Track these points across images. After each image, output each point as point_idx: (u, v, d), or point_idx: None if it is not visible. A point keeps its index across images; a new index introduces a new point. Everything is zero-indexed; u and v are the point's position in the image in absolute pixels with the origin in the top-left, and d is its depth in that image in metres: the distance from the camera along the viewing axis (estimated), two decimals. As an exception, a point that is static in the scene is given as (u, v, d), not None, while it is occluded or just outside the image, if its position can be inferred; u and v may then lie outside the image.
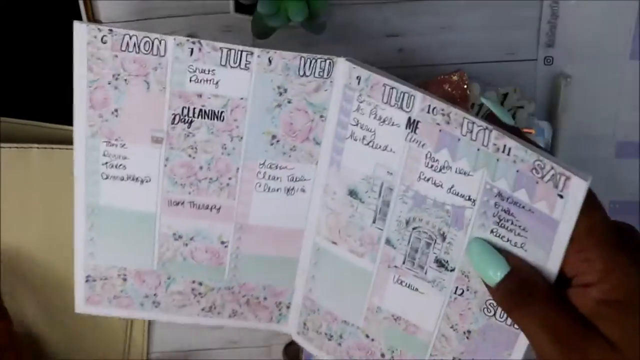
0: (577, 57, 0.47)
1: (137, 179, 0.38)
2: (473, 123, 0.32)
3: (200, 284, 0.40)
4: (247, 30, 0.45)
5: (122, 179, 0.38)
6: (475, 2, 0.46)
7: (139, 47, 0.35)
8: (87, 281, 0.39)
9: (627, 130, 0.48)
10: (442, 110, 0.33)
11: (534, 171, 0.31)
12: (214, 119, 0.37)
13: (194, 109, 0.36)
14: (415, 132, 0.34)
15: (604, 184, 0.49)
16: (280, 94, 0.36)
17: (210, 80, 0.36)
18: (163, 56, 0.35)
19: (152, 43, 0.35)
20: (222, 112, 0.37)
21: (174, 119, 0.37)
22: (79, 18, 0.45)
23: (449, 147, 0.33)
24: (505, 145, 0.31)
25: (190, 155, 0.37)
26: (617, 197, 0.49)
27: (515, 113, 0.46)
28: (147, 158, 0.37)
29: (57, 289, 0.46)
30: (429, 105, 0.33)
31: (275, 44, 0.46)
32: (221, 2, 0.45)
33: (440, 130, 0.33)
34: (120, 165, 0.37)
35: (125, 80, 0.36)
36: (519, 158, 0.31)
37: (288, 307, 0.41)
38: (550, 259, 0.31)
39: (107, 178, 0.38)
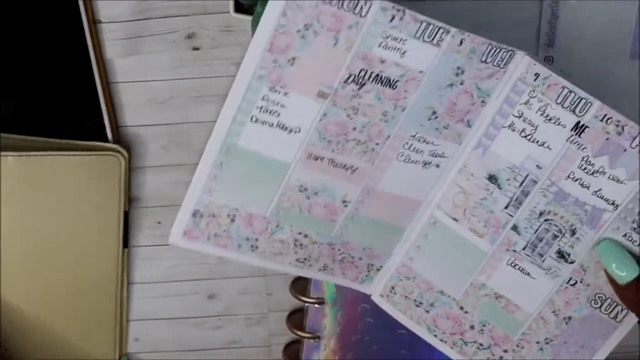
0: (577, 57, 0.47)
1: (286, 128, 0.38)
2: None
3: (306, 236, 0.41)
4: (247, 30, 0.45)
5: (271, 125, 0.38)
6: (475, 2, 0.46)
7: (342, 2, 0.35)
8: (193, 215, 0.39)
9: (627, 130, 0.48)
10: (618, 121, 0.35)
11: None
12: (386, 86, 0.37)
13: (372, 72, 0.37)
14: (579, 135, 0.35)
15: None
16: (457, 74, 0.37)
17: (398, 49, 0.36)
18: (363, 17, 0.35)
19: (357, 2, 0.35)
20: (396, 81, 0.37)
21: (347, 78, 0.36)
22: (79, 18, 0.45)
23: (610, 155, 0.35)
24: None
25: (348, 115, 0.38)
26: (617, 197, 0.50)
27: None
28: (305, 110, 0.37)
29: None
30: (605, 115, 0.35)
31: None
32: (221, 2, 0.45)
33: (607, 139, 0.35)
34: (275, 112, 0.37)
35: (315, 32, 0.35)
36: None
37: (378, 270, 0.42)
38: None
39: (255, 121, 0.37)
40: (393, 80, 0.37)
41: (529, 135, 0.36)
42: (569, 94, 0.35)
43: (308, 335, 0.49)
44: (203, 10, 0.46)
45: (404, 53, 0.36)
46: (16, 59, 0.46)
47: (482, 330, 0.40)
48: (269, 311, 0.52)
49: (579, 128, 0.35)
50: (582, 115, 0.35)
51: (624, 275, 0.35)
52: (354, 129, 0.38)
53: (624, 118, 0.35)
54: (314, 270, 0.42)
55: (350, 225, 0.41)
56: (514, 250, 0.38)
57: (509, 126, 0.37)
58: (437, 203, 0.39)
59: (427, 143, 0.38)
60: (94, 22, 0.46)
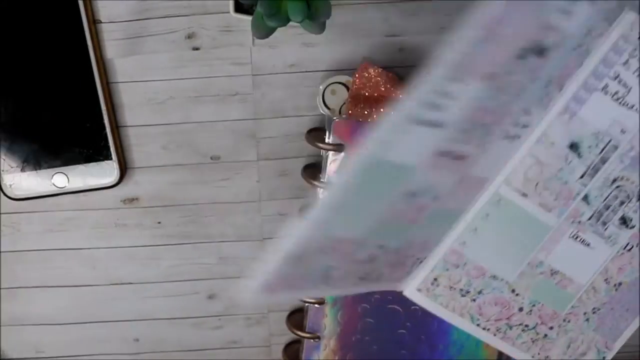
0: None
1: None
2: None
3: None
4: (247, 30, 0.45)
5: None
6: (475, 2, 0.46)
7: None
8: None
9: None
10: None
11: None
12: None
13: None
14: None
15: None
16: (586, 35, 0.34)
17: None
18: None
19: None
20: None
21: None
22: (79, 18, 0.45)
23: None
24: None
25: None
26: (617, 197, 0.49)
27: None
28: None
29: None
30: None
31: (274, 44, 0.46)
32: (221, 2, 0.45)
33: None
34: None
35: None
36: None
37: (420, 262, 0.38)
38: None
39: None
40: None
41: (620, 98, 0.34)
42: None
43: (308, 335, 0.49)
44: (203, 10, 0.46)
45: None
46: (16, 59, 0.46)
47: (530, 311, 0.38)
48: (269, 311, 0.52)
49: None
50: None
51: None
52: None
53: None
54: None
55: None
56: (579, 222, 0.36)
57: (602, 89, 0.34)
58: (505, 178, 0.36)
59: (526, 114, 0.35)
60: (94, 22, 0.46)
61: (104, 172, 0.47)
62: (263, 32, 0.41)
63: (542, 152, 0.36)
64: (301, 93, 0.47)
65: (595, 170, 0.36)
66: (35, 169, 0.47)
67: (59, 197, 0.48)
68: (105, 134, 0.47)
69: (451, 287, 0.38)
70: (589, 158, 0.35)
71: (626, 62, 0.34)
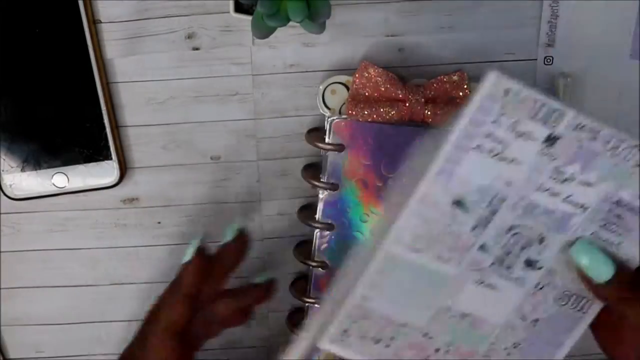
0: (577, 57, 0.47)
1: None
2: (622, 141, 0.33)
3: None
4: (247, 30, 0.45)
5: None
6: (475, 2, 0.46)
7: None
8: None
9: (627, 130, 0.48)
10: (592, 128, 0.33)
11: None
12: None
13: None
14: (552, 146, 0.34)
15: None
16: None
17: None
18: None
19: None
20: None
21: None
22: (79, 18, 0.45)
23: (582, 161, 0.34)
24: None
25: None
26: (617, 197, 0.49)
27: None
28: None
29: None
30: (579, 123, 0.33)
31: (274, 44, 0.46)
32: (221, 2, 0.45)
33: (580, 146, 0.34)
34: None
35: None
36: None
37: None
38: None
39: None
40: None
41: (497, 154, 0.34)
42: (542, 107, 0.33)
43: (308, 335, 0.49)
44: (203, 10, 0.46)
45: None
46: (16, 58, 0.46)
47: (447, 350, 0.38)
48: (269, 311, 0.52)
49: (551, 139, 0.34)
50: (555, 127, 0.34)
51: (604, 274, 0.34)
52: None
53: (599, 123, 0.33)
54: None
55: None
56: (481, 269, 0.36)
57: (476, 148, 0.34)
58: (393, 238, 0.36)
59: None
60: (94, 22, 0.46)
61: (104, 172, 0.47)
62: (263, 32, 0.41)
63: (427, 211, 0.36)
64: (301, 93, 0.47)
65: (487, 221, 0.35)
66: (35, 169, 0.47)
67: (59, 197, 0.48)
68: (105, 134, 0.47)
69: (362, 337, 0.39)
70: (477, 212, 0.35)
71: (496, 121, 0.34)
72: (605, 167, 0.34)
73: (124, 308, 0.52)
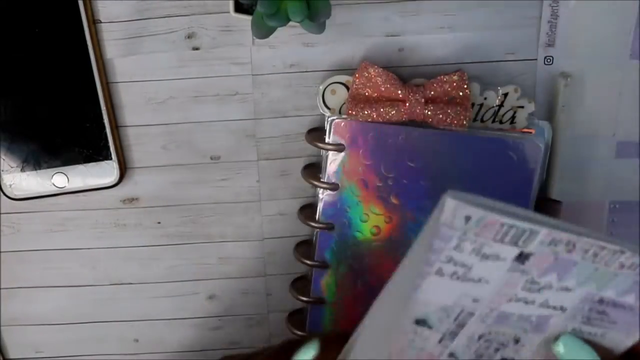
0: (577, 57, 0.47)
1: None
2: (603, 248, 0.30)
3: None
4: (247, 30, 0.45)
5: None
6: (475, 2, 0.46)
7: None
8: None
9: (627, 130, 0.48)
10: (567, 241, 0.30)
11: None
12: None
13: None
14: (523, 263, 0.31)
15: (604, 184, 0.49)
16: None
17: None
18: None
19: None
20: None
21: None
22: (79, 18, 0.45)
23: (559, 272, 0.31)
24: (633, 263, 0.30)
25: None
26: (617, 197, 0.49)
27: (515, 113, 0.46)
28: None
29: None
30: (552, 239, 0.30)
31: (274, 44, 0.46)
32: (221, 2, 0.45)
33: (555, 259, 0.31)
34: None
35: None
36: None
37: None
38: (629, 339, 0.32)
39: None
40: None
41: (461, 276, 0.31)
42: (509, 229, 0.30)
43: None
44: (203, 10, 0.46)
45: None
46: (16, 58, 0.45)
47: None
48: (269, 311, 0.52)
49: (522, 257, 0.31)
50: (526, 246, 0.30)
51: None
52: None
53: (574, 235, 0.30)
54: None
55: None
56: None
57: (437, 272, 0.31)
58: (354, 356, 0.35)
59: None
60: (94, 22, 0.46)
61: (104, 172, 0.47)
62: (263, 32, 0.41)
63: (388, 331, 0.34)
64: (301, 93, 0.47)
65: (454, 334, 0.33)
66: (35, 169, 0.47)
67: (59, 197, 0.48)
68: (105, 134, 0.47)
69: None
70: (443, 327, 0.33)
71: (458, 246, 0.30)
72: (584, 273, 0.31)
73: (124, 308, 0.52)
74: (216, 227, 0.50)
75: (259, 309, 0.52)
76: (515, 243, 0.30)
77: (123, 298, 0.52)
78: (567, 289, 0.32)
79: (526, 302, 0.32)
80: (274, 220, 0.50)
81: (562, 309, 0.32)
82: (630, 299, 0.31)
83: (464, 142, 0.45)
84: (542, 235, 0.30)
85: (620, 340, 0.33)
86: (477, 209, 0.29)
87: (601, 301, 0.32)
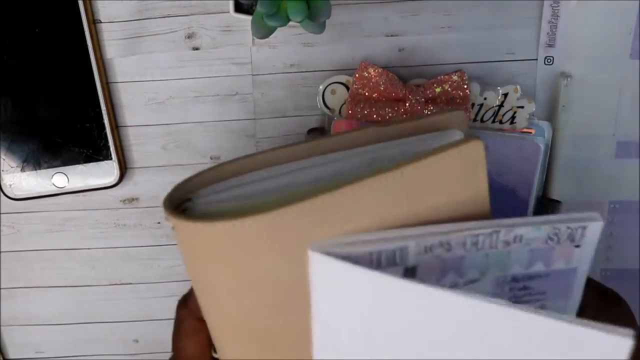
0: (577, 57, 0.47)
1: None
2: (477, 235, 0.30)
3: None
4: (247, 30, 0.45)
5: None
6: (475, 2, 0.46)
7: None
8: None
9: (627, 130, 0.48)
10: (440, 242, 0.30)
11: (549, 241, 0.30)
12: None
13: None
14: (414, 276, 0.30)
15: (604, 184, 0.49)
16: None
17: None
18: None
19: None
20: None
21: None
22: (79, 18, 0.45)
23: (454, 269, 0.31)
24: (516, 236, 0.30)
25: None
26: (617, 197, 0.49)
27: (515, 113, 0.46)
28: None
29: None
30: (425, 247, 0.30)
31: (274, 44, 0.46)
32: (221, 2, 0.45)
33: (442, 261, 0.30)
34: None
35: None
36: (531, 239, 0.30)
37: None
38: (570, 301, 0.32)
39: None
40: None
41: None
42: (379, 255, 0.29)
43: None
44: (203, 10, 0.46)
45: None
46: (16, 58, 0.46)
47: None
48: (269, 311, 0.52)
49: (409, 272, 0.30)
50: (405, 262, 0.30)
51: None
52: None
53: (443, 233, 0.30)
54: None
55: None
56: None
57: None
58: None
59: None
60: (94, 22, 0.46)
61: (104, 172, 0.47)
62: (263, 32, 0.41)
63: None
64: (301, 93, 0.47)
65: None
66: (35, 169, 0.47)
67: (59, 197, 0.48)
68: (105, 134, 0.47)
69: None
70: None
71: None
72: (478, 262, 0.31)
73: (124, 308, 0.52)
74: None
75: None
76: (393, 263, 0.29)
77: (123, 298, 0.52)
78: (474, 281, 0.31)
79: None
80: (274, 220, 0.50)
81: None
82: (538, 268, 0.31)
83: (464, 142, 0.45)
84: (412, 248, 0.29)
85: (563, 305, 0.32)
86: (339, 262, 0.28)
87: (515, 279, 0.31)
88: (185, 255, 0.31)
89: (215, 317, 0.32)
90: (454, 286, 0.31)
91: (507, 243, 0.30)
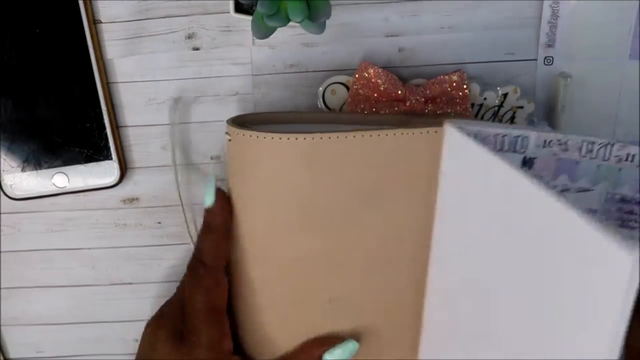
0: (577, 57, 0.47)
1: None
2: (593, 143, 0.33)
3: None
4: (247, 30, 0.45)
5: None
6: (475, 2, 0.46)
7: None
8: None
9: (627, 130, 0.48)
10: (559, 140, 0.33)
11: None
12: None
13: None
14: (531, 167, 0.34)
15: (604, 184, 0.49)
16: None
17: None
18: None
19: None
20: None
21: None
22: (79, 18, 0.45)
23: (567, 172, 0.34)
24: (628, 154, 0.32)
25: None
26: (617, 197, 0.49)
27: (515, 113, 0.46)
28: None
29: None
30: (545, 141, 0.33)
31: (274, 44, 0.46)
32: (221, 2, 0.45)
33: (558, 159, 0.33)
34: None
35: None
36: None
37: None
38: None
39: None
40: None
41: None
42: (503, 138, 0.33)
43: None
44: (203, 10, 0.46)
45: None
46: (16, 58, 0.46)
47: None
48: (269, 311, 0.52)
49: (527, 162, 0.34)
50: (524, 151, 0.34)
51: None
52: None
53: (563, 135, 0.34)
54: None
55: None
56: None
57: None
58: None
59: None
60: (94, 22, 0.46)
61: (104, 172, 0.47)
62: (263, 32, 0.41)
63: None
64: (301, 93, 0.47)
65: None
66: (36, 169, 0.47)
67: (59, 197, 0.48)
68: (106, 134, 0.47)
69: None
70: None
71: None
72: (590, 170, 0.33)
73: (124, 308, 0.52)
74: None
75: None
76: (514, 150, 0.33)
77: (123, 298, 0.52)
78: (585, 190, 0.34)
79: None
80: (274, 220, 0.50)
81: (592, 211, 0.34)
82: None
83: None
84: (533, 138, 0.33)
85: None
86: (471, 126, 0.33)
87: (623, 200, 0.34)
88: (233, 166, 0.37)
89: (246, 233, 0.38)
90: (565, 190, 0.34)
91: (619, 159, 0.33)
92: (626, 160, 0.32)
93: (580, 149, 0.33)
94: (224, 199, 0.40)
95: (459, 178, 0.34)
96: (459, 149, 0.33)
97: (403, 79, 0.46)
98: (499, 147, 0.33)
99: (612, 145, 0.33)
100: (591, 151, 0.33)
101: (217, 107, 0.48)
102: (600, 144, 0.33)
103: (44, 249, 0.50)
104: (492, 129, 0.33)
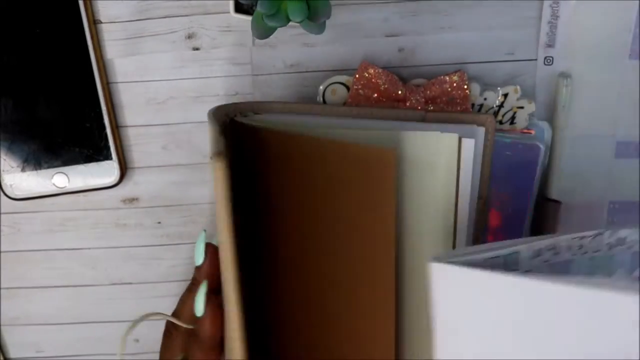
0: (577, 57, 0.47)
1: None
2: (582, 238, 0.31)
3: None
4: (247, 30, 0.45)
5: None
6: (475, 2, 0.46)
7: None
8: None
9: (627, 130, 0.48)
10: (548, 246, 0.31)
11: None
12: None
13: None
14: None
15: (603, 184, 0.49)
16: None
17: None
18: None
19: None
20: None
21: None
22: (79, 18, 0.45)
23: (562, 275, 0.31)
24: (619, 238, 0.31)
25: None
26: (617, 197, 0.49)
27: (515, 113, 0.46)
28: None
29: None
30: (534, 251, 0.31)
31: (274, 44, 0.46)
32: (221, 2, 0.45)
33: (550, 266, 0.32)
34: None
35: None
36: (634, 241, 0.31)
37: None
38: None
39: None
40: None
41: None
42: (494, 260, 0.31)
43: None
44: (203, 10, 0.46)
45: None
46: (16, 59, 0.46)
47: None
48: (269, 311, 0.52)
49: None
50: (517, 267, 0.32)
51: None
52: None
53: (553, 239, 0.31)
54: None
55: None
56: None
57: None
58: None
59: None
60: (94, 22, 0.46)
61: (104, 172, 0.47)
62: (263, 32, 0.41)
63: None
64: (301, 93, 0.47)
65: None
66: (36, 169, 0.47)
67: (59, 197, 0.48)
68: (106, 134, 0.47)
69: None
70: None
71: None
72: (583, 265, 0.32)
73: (124, 308, 0.52)
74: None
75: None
76: (506, 269, 0.31)
77: (123, 298, 0.52)
78: None
79: None
80: (274, 220, 0.50)
81: None
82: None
83: (464, 142, 0.45)
84: (523, 252, 0.31)
85: None
86: (458, 268, 0.29)
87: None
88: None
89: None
90: None
91: (610, 246, 0.31)
92: (617, 245, 0.31)
93: (570, 248, 0.32)
94: (214, 255, 0.38)
95: (457, 307, 0.30)
96: (451, 283, 0.30)
97: (403, 79, 0.46)
98: (491, 270, 0.30)
99: (602, 234, 0.31)
100: (581, 247, 0.32)
101: (217, 107, 0.48)
102: (590, 236, 0.31)
103: (44, 249, 0.50)
104: (480, 254, 0.30)
